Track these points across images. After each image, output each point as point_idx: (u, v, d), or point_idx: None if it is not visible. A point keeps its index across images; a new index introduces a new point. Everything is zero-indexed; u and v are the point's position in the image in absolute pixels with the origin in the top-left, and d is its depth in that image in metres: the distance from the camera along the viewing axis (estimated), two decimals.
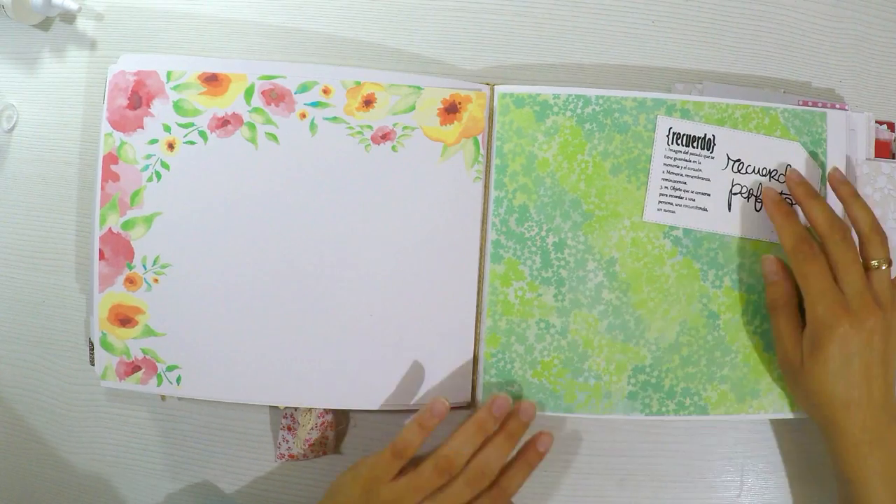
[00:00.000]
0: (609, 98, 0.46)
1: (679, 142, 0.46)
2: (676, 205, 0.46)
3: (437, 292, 0.46)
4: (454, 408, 0.45)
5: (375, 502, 0.41)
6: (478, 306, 0.47)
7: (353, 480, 0.43)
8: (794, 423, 0.52)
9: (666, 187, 0.47)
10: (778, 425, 0.52)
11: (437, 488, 0.42)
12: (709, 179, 0.47)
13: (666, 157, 0.46)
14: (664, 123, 0.46)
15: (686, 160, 0.46)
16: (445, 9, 0.52)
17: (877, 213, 0.48)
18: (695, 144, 0.46)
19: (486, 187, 0.47)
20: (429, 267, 0.46)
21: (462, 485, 0.42)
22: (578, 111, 0.46)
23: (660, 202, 0.47)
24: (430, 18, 0.52)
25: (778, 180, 0.47)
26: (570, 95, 0.47)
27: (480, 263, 0.47)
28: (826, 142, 0.47)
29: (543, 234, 0.46)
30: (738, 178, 0.47)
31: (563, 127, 0.46)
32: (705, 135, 0.47)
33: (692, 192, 0.47)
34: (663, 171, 0.46)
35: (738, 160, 0.47)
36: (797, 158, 0.47)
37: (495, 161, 0.47)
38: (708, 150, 0.46)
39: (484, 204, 0.47)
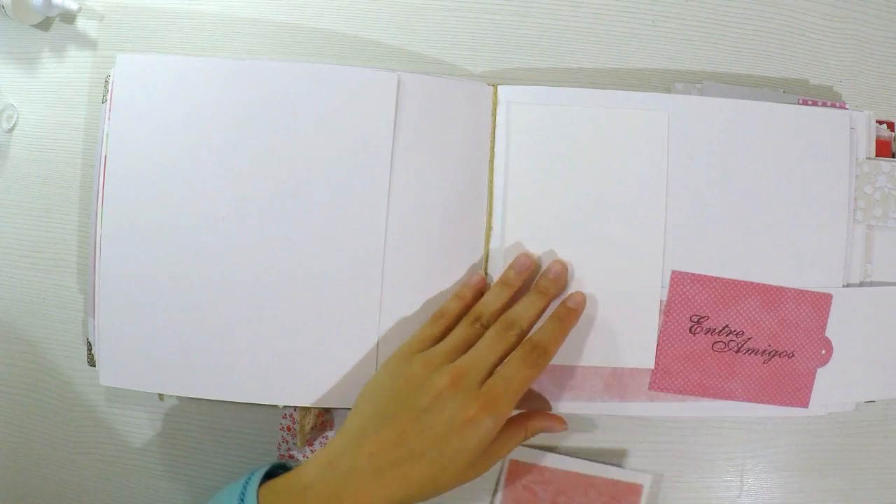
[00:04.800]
0: None
1: None
2: None
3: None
4: None
5: (403, 375, 0.41)
6: None
7: (382, 372, 0.42)
8: (794, 422, 0.52)
9: None
10: (778, 425, 0.52)
11: (468, 341, 0.42)
12: None
13: None
14: None
15: None
16: (446, 9, 0.52)
17: (877, 212, 0.48)
18: None
19: (491, 183, 0.47)
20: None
21: (491, 336, 0.41)
22: None
23: None
24: (431, 18, 0.52)
25: None
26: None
27: (485, 265, 0.47)
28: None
29: None
30: None
31: None
32: None
33: None
34: None
35: None
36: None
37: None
38: None
39: (490, 194, 0.47)
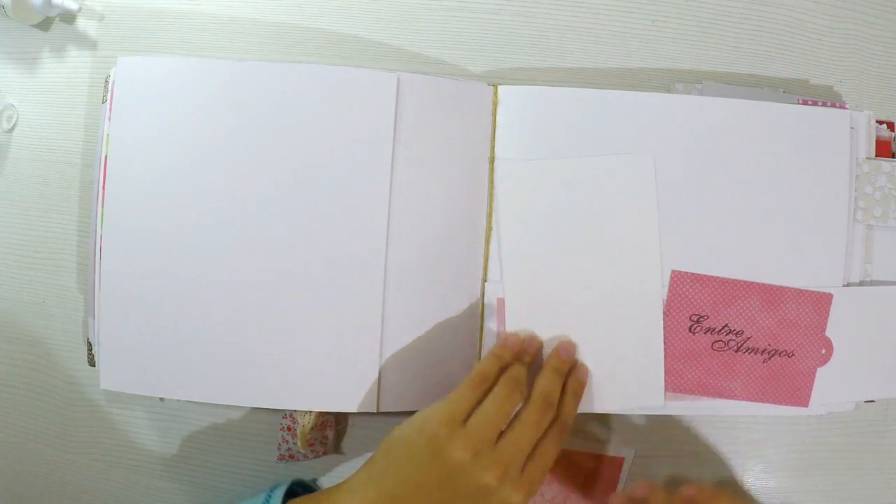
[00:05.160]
0: None
1: None
2: None
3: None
4: None
5: (443, 454, 0.39)
6: (482, 307, 0.47)
7: (417, 433, 0.40)
8: (794, 422, 0.52)
9: None
10: (778, 425, 0.52)
11: (511, 412, 0.41)
12: None
13: None
14: None
15: None
16: (446, 9, 0.52)
17: (877, 212, 0.48)
18: None
19: (491, 182, 0.47)
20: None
21: (533, 419, 0.41)
22: None
23: None
24: (431, 18, 0.52)
25: None
26: None
27: (485, 265, 0.47)
28: None
29: None
30: None
31: None
32: None
33: None
34: None
35: None
36: None
37: None
38: None
39: (489, 200, 0.47)
